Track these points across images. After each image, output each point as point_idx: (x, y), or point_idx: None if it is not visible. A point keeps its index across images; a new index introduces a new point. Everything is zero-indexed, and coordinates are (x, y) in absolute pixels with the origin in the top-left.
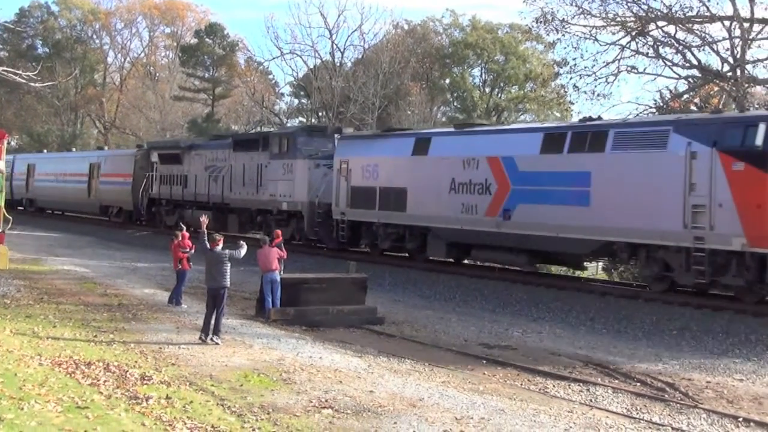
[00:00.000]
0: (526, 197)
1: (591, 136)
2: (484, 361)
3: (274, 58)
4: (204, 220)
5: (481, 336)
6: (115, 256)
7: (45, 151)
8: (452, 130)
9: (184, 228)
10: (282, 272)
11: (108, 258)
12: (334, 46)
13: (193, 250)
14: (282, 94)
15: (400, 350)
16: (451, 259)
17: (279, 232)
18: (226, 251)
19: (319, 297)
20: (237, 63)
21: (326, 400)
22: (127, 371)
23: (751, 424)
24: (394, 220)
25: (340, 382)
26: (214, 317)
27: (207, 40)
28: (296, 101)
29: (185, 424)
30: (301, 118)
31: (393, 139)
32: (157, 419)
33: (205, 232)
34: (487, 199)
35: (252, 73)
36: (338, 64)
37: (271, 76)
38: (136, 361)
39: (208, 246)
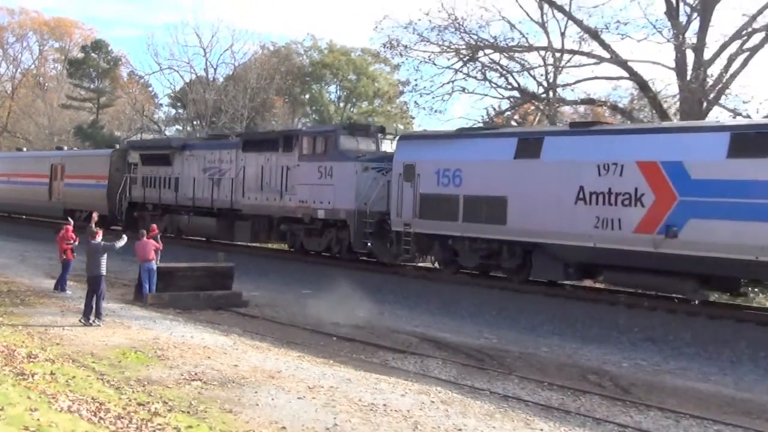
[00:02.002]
0: (702, 211)
1: None
2: (335, 338)
3: (153, 72)
4: (94, 216)
5: (332, 316)
6: (5, 248)
7: None
8: (575, 129)
9: (72, 222)
10: (158, 262)
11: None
12: (208, 63)
13: (76, 242)
14: (161, 105)
15: (261, 329)
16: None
17: (155, 226)
18: (102, 243)
19: (191, 283)
20: (120, 76)
21: (196, 374)
22: (15, 350)
23: (554, 387)
24: (487, 234)
25: (209, 357)
26: (94, 301)
27: (92, 54)
28: (173, 111)
29: (68, 396)
30: (177, 127)
31: (483, 139)
32: (41, 393)
33: (93, 226)
34: (637, 213)
35: (134, 85)
36: (211, 79)
37: (150, 88)
38: (23, 342)
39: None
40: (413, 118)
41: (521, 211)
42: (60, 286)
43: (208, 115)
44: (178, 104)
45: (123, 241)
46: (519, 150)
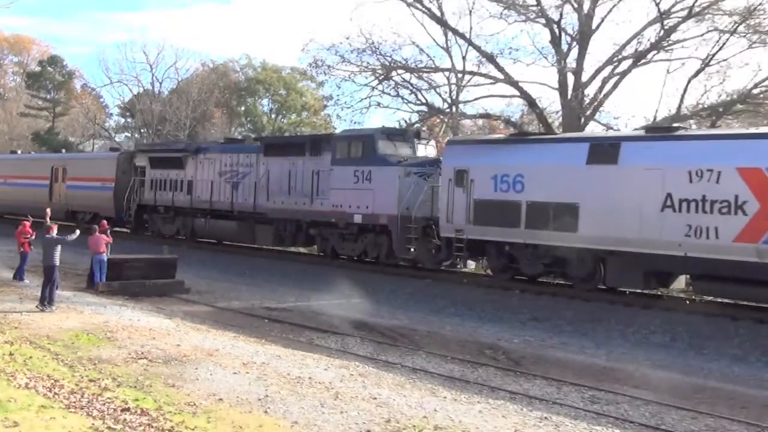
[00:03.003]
0: None
1: None
2: (266, 320)
3: (104, 85)
4: (48, 211)
5: (264, 302)
6: None
7: None
8: (657, 134)
9: (30, 219)
10: (108, 254)
11: None
12: (154, 78)
13: (33, 236)
14: (111, 114)
15: (201, 313)
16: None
17: (105, 222)
18: (55, 236)
19: (139, 273)
20: (74, 88)
21: (142, 353)
22: None
23: (456, 360)
24: (555, 241)
25: (154, 338)
26: (48, 290)
27: (49, 68)
28: (123, 120)
29: (25, 374)
30: (126, 134)
31: (548, 144)
32: (1, 371)
33: (48, 221)
34: (738, 221)
35: (86, 96)
36: (157, 92)
37: (102, 99)
38: None
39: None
40: (335, 128)
41: (595, 218)
42: (18, 276)
43: (154, 123)
44: (127, 114)
45: (75, 235)
46: (592, 155)
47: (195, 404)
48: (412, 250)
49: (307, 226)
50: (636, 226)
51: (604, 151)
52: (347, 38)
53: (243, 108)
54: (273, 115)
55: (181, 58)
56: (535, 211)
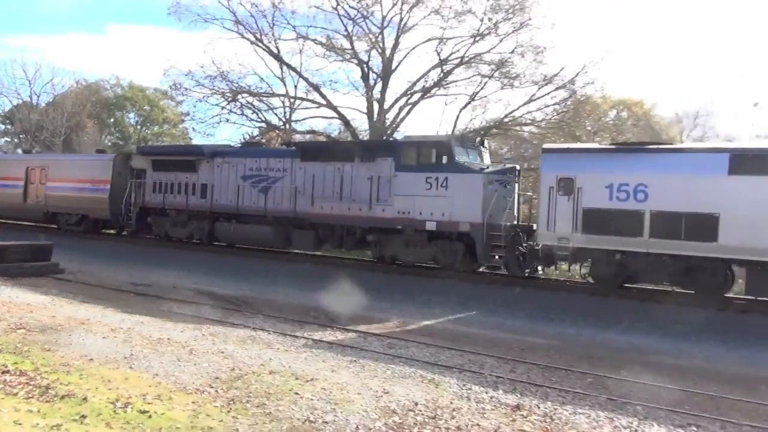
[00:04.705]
0: None
1: None
2: (132, 294)
3: None
4: None
5: (130, 279)
6: None
7: None
8: None
9: None
10: None
11: None
12: (32, 92)
13: None
14: None
15: (75, 290)
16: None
17: None
18: None
19: (18, 257)
20: None
21: (20, 324)
22: None
23: (288, 320)
24: (688, 251)
25: (31, 311)
26: None
27: None
28: (3, 127)
29: None
30: (6, 139)
31: (678, 154)
32: None
33: None
34: None
35: None
36: (35, 104)
37: None
38: None
39: None
40: (191, 139)
41: (737, 228)
42: None
43: (32, 131)
44: (7, 122)
45: None
46: (734, 166)
47: (69, 364)
48: (497, 257)
49: (363, 232)
50: None
51: (749, 162)
52: (202, 67)
53: (112, 120)
54: (138, 127)
55: (57, 76)
56: (662, 221)
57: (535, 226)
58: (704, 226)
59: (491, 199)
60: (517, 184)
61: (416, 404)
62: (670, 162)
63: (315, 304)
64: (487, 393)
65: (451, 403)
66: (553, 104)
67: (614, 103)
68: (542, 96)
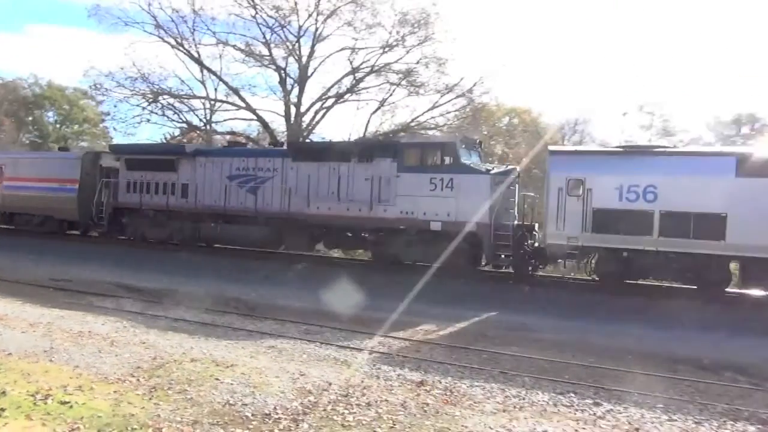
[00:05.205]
0: None
1: None
2: (51, 289)
3: None
4: None
5: (50, 274)
6: None
7: None
8: None
9: None
10: None
11: None
12: None
13: None
14: None
15: None
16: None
17: None
18: None
19: None
20: None
21: None
22: None
23: (209, 310)
24: (696, 249)
25: None
26: None
27: None
28: None
29: None
30: None
31: (686, 157)
32: None
33: None
34: None
35: None
36: None
37: None
38: None
39: None
40: (112, 138)
41: (744, 227)
42: None
43: None
44: None
45: None
46: (741, 169)
47: None
48: (503, 256)
49: (362, 232)
50: None
51: (756, 165)
52: (122, 68)
53: (31, 118)
54: (57, 125)
55: None
56: (671, 221)
57: (537, 226)
58: (712, 225)
59: (498, 200)
60: (517, 185)
61: (330, 384)
62: (680, 165)
63: (236, 295)
64: (395, 371)
65: (362, 381)
66: (454, 111)
67: (507, 110)
68: (444, 103)
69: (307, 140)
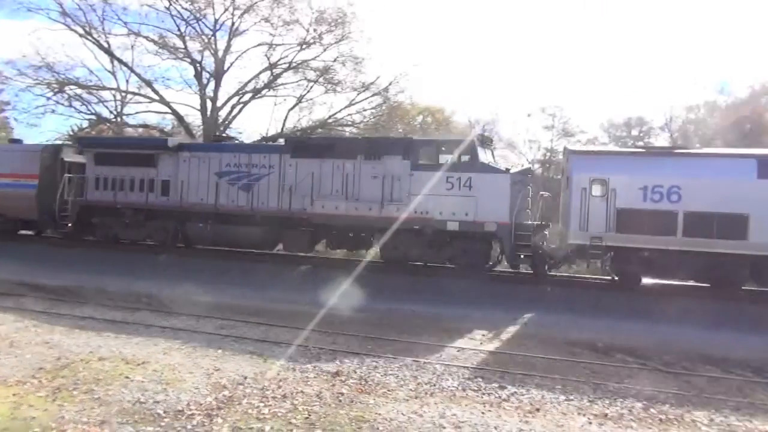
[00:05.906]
0: None
1: None
2: None
3: None
4: None
5: None
6: None
7: None
8: None
9: None
10: None
11: None
12: None
13: None
14: None
15: None
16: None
17: None
18: None
19: None
20: None
21: None
22: None
23: (119, 308)
24: (719, 248)
25: None
26: None
27: None
28: None
29: None
30: None
31: (708, 159)
32: None
33: None
34: None
35: None
36: None
37: None
38: None
39: None
40: (12, 129)
41: (766, 227)
42: None
43: None
44: None
45: None
46: (762, 170)
47: None
48: (522, 256)
49: (371, 232)
50: None
51: None
52: (24, 56)
53: None
54: None
55: None
56: (695, 221)
57: (550, 225)
58: (735, 225)
59: (517, 199)
60: (531, 184)
61: (245, 378)
62: (703, 166)
63: (149, 291)
64: (311, 363)
65: (278, 374)
66: (370, 108)
67: (421, 109)
68: (361, 101)
69: (218, 133)
